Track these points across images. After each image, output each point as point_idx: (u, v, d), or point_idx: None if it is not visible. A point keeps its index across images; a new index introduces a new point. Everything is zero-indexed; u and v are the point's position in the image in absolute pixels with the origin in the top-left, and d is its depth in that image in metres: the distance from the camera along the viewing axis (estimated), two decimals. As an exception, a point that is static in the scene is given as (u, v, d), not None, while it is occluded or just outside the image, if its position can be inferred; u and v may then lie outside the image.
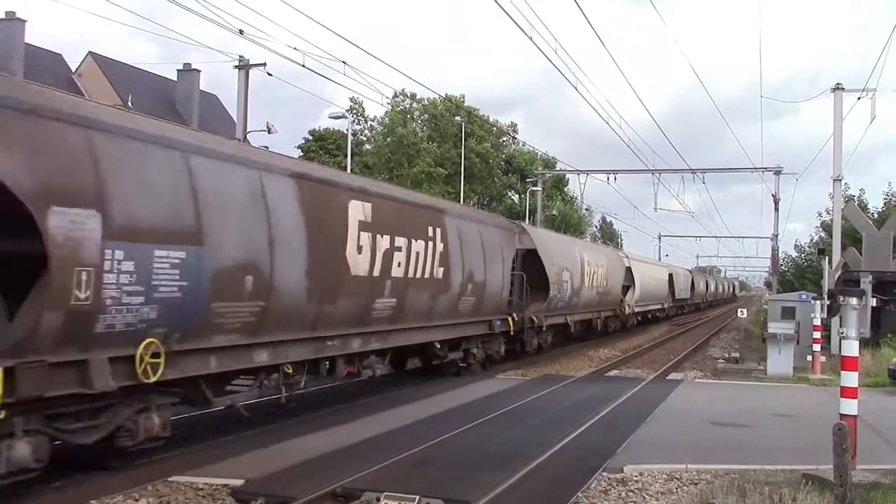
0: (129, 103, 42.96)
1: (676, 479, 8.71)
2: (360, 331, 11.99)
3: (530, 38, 15.54)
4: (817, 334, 19.40)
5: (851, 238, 28.30)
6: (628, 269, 32.88)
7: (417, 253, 13.19)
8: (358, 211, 11.50)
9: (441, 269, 14.21)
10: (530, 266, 19.69)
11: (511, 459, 9.10)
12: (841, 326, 10.50)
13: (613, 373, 20.64)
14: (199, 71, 47.28)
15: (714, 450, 10.15)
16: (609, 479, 8.60)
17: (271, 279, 9.54)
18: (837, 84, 24.75)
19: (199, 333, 8.69)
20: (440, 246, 14.15)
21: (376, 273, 11.94)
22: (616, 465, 9.14)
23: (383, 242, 12.11)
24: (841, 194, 27.53)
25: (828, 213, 36.07)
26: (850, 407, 8.36)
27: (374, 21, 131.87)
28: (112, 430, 7.98)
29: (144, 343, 7.88)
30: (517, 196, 61.95)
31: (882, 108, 31.36)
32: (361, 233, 11.49)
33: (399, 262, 12.57)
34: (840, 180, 26.00)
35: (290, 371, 10.54)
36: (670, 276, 46.72)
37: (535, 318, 19.64)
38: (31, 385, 6.86)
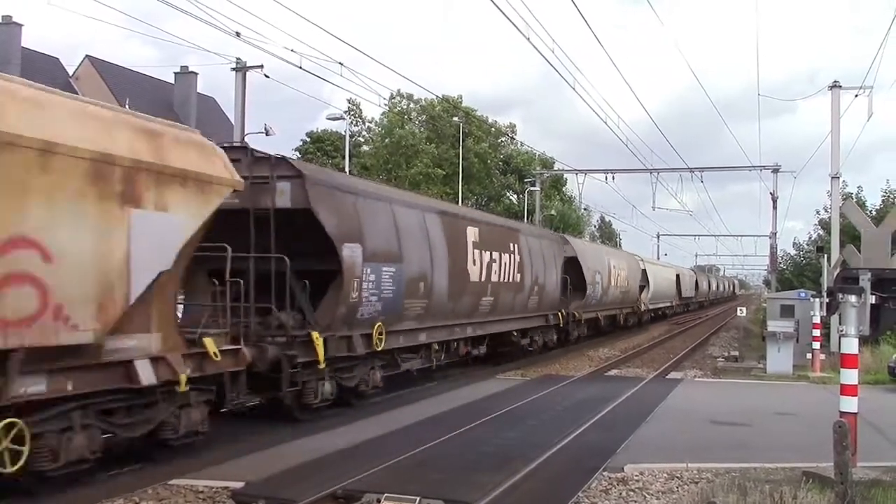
0: (127, 106, 48.03)
1: (677, 478, 9.48)
2: (471, 321, 18.64)
3: (527, 39, 17.36)
4: (816, 332, 21.02)
5: (850, 235, 30.62)
6: (644, 272, 40.34)
7: (505, 263, 19.86)
8: (472, 234, 18.08)
9: (518, 275, 20.98)
10: (571, 270, 26.52)
11: (511, 460, 10.02)
12: (840, 324, 11.58)
13: (613, 372, 22.69)
14: (196, 73, 52.14)
15: (714, 448, 11.11)
16: (610, 478, 9.41)
17: (431, 285, 16.05)
18: (835, 82, 27.19)
19: (397, 320, 15.16)
20: (517, 257, 20.89)
21: (483, 279, 18.55)
22: (616, 464, 10.01)
23: (486, 256, 18.70)
24: (839, 192, 30.23)
25: (826, 211, 39.30)
26: (850, 404, 9.03)
27: (369, 20, 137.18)
28: (359, 380, 14.41)
29: (376, 325, 14.32)
30: (515, 196, 67.58)
31: (879, 106, 35.16)
32: (474, 250, 18.09)
33: (495, 271, 19.21)
34: (838, 178, 28.51)
35: (437, 349, 17.06)
36: (678, 276, 54.40)
37: (576, 314, 26.74)
38: (332, 349, 13.31)
